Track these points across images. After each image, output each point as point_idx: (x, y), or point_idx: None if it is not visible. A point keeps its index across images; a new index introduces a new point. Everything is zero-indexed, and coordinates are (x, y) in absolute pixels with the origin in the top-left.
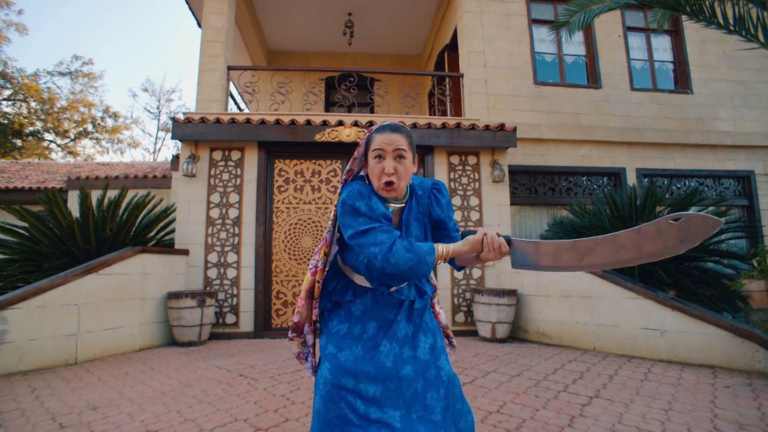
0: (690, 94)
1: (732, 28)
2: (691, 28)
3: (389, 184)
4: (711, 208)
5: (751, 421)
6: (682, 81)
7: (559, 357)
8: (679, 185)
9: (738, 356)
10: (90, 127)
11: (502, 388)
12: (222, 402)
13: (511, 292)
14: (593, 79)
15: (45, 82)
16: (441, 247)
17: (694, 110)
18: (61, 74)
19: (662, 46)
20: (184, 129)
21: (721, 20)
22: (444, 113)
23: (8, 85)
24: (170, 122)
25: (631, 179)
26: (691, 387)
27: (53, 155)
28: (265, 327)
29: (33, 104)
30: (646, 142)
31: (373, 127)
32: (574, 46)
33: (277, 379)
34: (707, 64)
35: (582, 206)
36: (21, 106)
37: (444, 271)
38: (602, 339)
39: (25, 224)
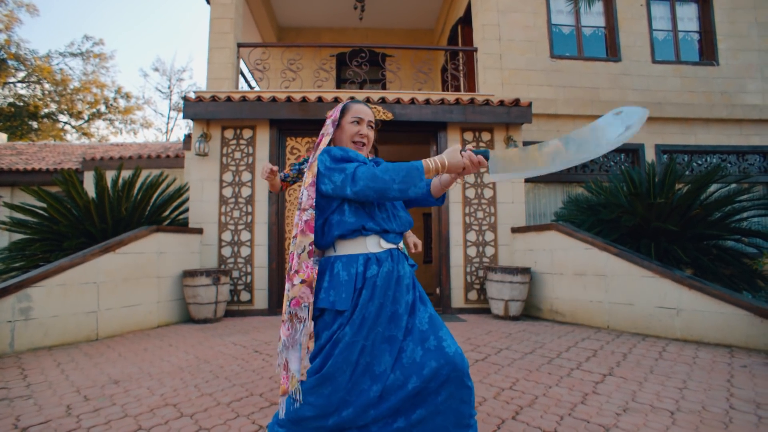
0: (716, 66)
1: None
2: None
3: (362, 144)
4: (733, 185)
5: None
6: (708, 52)
7: (572, 335)
8: (700, 162)
9: (757, 336)
10: (103, 108)
11: (515, 365)
12: (238, 377)
13: (525, 270)
14: (612, 52)
15: (57, 64)
16: (429, 161)
17: (719, 83)
18: (73, 55)
19: (688, 15)
20: (196, 108)
21: None
22: (457, 89)
23: (22, 67)
24: (182, 102)
25: (650, 156)
26: (707, 366)
27: (68, 137)
28: (279, 304)
29: (47, 86)
30: (667, 117)
31: (347, 101)
32: (593, 17)
33: None
34: (737, 33)
35: (598, 183)
36: (35, 88)
37: (457, 249)
38: (616, 317)
39: (44, 205)
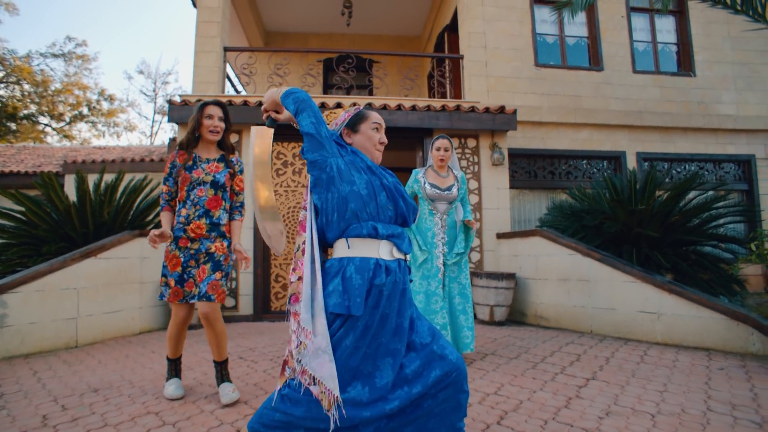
0: (693, 77)
1: (739, 7)
2: (696, 9)
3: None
4: (710, 193)
5: (743, 401)
6: (685, 63)
7: (556, 339)
8: (679, 169)
9: (733, 339)
10: (85, 111)
11: (500, 370)
12: None
13: (510, 276)
14: (595, 61)
15: (38, 64)
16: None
17: (696, 93)
18: (55, 56)
19: (666, 28)
20: (181, 112)
21: (727, 0)
22: (443, 95)
23: (0, 67)
24: (166, 105)
25: (632, 163)
26: (686, 369)
27: (49, 139)
28: (264, 310)
29: (26, 87)
30: (647, 126)
31: (361, 106)
32: (576, 27)
33: (276, 362)
34: (712, 45)
35: (581, 190)
36: (14, 88)
37: None
38: (599, 322)
39: (22, 208)
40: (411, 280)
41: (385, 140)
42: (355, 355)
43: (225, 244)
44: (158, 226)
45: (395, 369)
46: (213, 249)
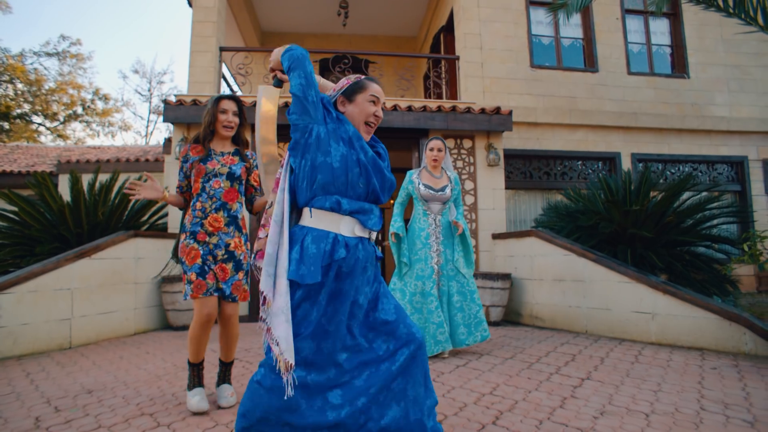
0: (687, 79)
1: (731, 10)
2: (690, 11)
3: (373, 125)
4: (704, 194)
5: (735, 401)
6: (679, 65)
7: (551, 340)
8: (673, 170)
9: (726, 339)
10: (80, 110)
11: (496, 371)
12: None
13: (505, 276)
14: (590, 63)
15: (31, 63)
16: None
17: (690, 95)
18: (48, 55)
19: (660, 30)
20: (176, 112)
21: (720, 3)
22: (439, 96)
23: None
24: (162, 105)
25: (626, 164)
26: (680, 369)
27: (42, 138)
28: (259, 311)
29: (20, 86)
30: (642, 127)
31: (362, 76)
32: (572, 28)
33: None
34: (705, 48)
35: (576, 191)
36: (7, 87)
37: None
38: (594, 322)
39: (15, 208)
40: (380, 257)
41: (381, 114)
42: (319, 331)
43: (243, 239)
44: (153, 226)
45: (355, 345)
46: (233, 246)
